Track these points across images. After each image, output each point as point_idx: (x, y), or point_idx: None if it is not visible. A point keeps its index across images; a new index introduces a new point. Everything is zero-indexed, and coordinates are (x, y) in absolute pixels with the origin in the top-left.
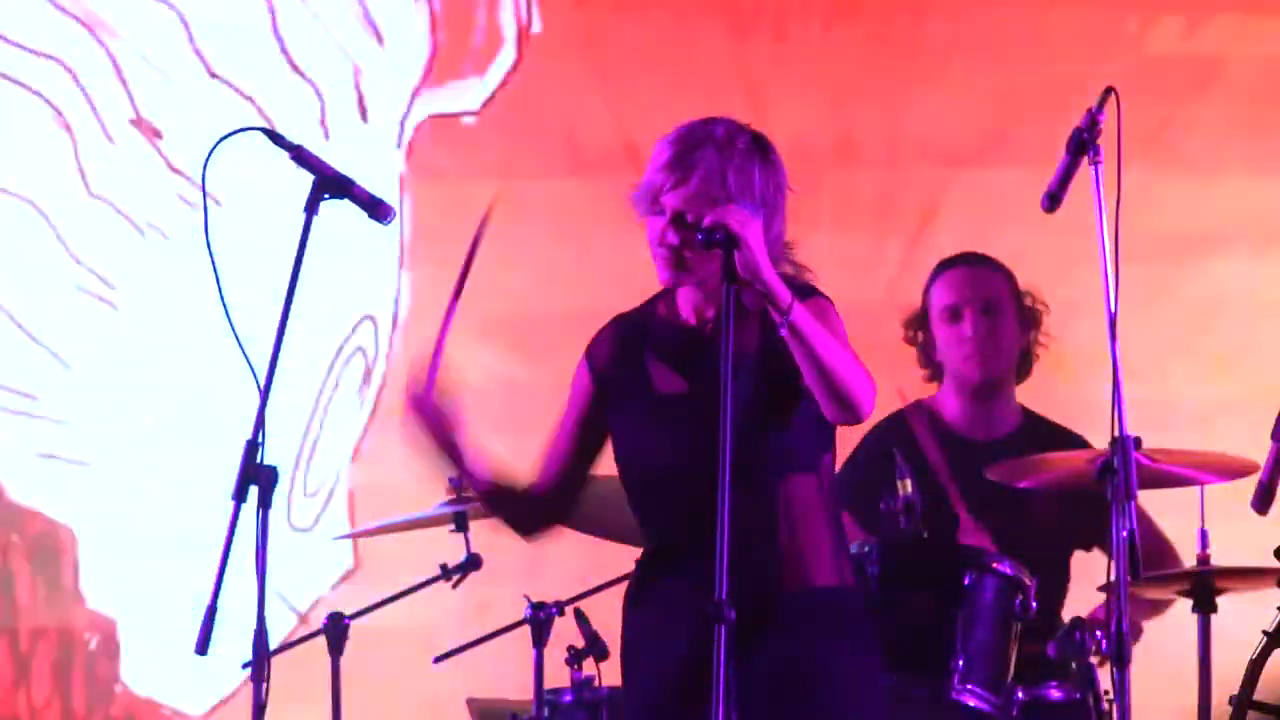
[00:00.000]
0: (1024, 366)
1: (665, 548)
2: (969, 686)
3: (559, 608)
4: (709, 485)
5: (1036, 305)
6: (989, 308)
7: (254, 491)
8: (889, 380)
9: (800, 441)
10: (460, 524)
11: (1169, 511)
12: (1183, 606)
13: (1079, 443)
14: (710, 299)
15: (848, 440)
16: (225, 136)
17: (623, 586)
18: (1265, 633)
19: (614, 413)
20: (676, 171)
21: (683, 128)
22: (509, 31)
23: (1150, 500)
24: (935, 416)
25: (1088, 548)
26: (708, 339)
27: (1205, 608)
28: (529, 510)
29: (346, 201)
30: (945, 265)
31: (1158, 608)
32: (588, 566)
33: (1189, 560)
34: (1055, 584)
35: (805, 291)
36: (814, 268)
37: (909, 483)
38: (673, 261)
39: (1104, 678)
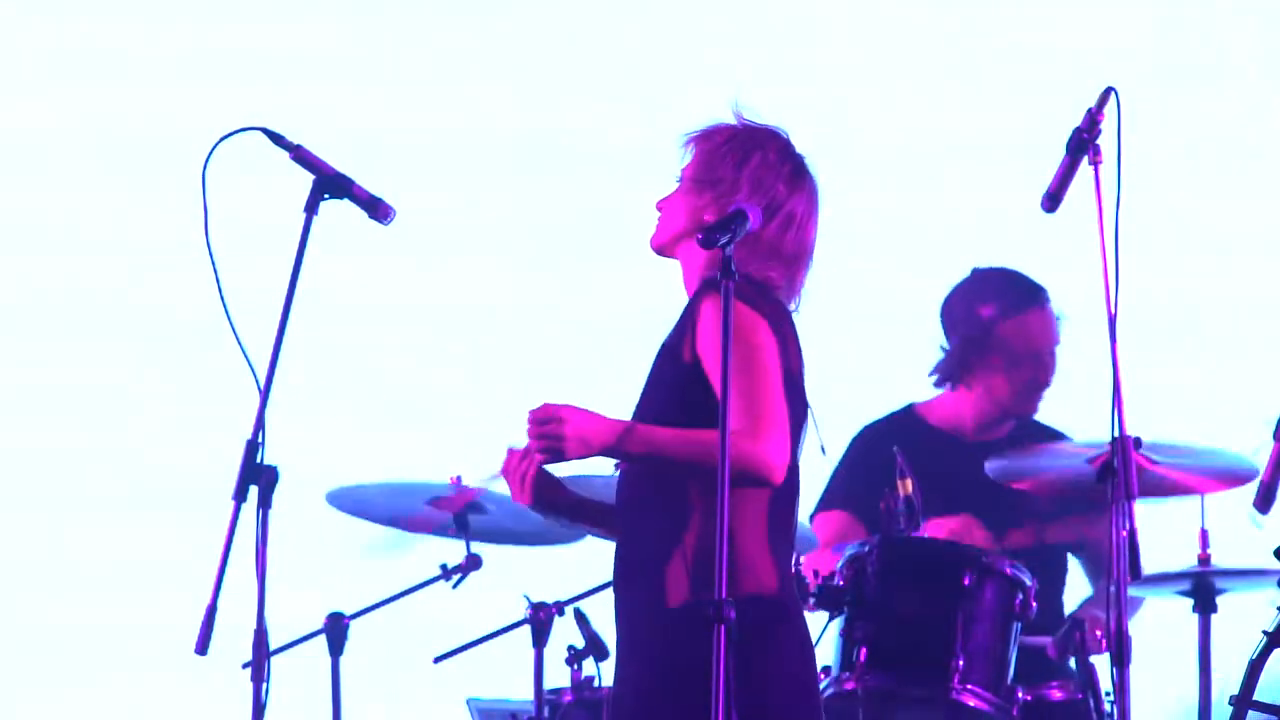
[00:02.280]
0: None
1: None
2: (969, 686)
3: (559, 608)
4: (621, 481)
5: None
6: (1058, 345)
7: (254, 491)
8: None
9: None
10: (460, 524)
11: (1169, 511)
12: (1183, 606)
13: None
14: (689, 292)
15: (835, 439)
16: (225, 136)
17: None
18: (1265, 633)
19: None
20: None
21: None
22: None
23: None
24: (925, 421)
25: (1076, 550)
26: (668, 337)
27: (1205, 608)
28: None
29: (346, 201)
30: (1030, 300)
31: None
32: (588, 566)
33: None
34: (1056, 580)
35: (708, 288)
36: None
37: (909, 483)
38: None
39: (1104, 678)
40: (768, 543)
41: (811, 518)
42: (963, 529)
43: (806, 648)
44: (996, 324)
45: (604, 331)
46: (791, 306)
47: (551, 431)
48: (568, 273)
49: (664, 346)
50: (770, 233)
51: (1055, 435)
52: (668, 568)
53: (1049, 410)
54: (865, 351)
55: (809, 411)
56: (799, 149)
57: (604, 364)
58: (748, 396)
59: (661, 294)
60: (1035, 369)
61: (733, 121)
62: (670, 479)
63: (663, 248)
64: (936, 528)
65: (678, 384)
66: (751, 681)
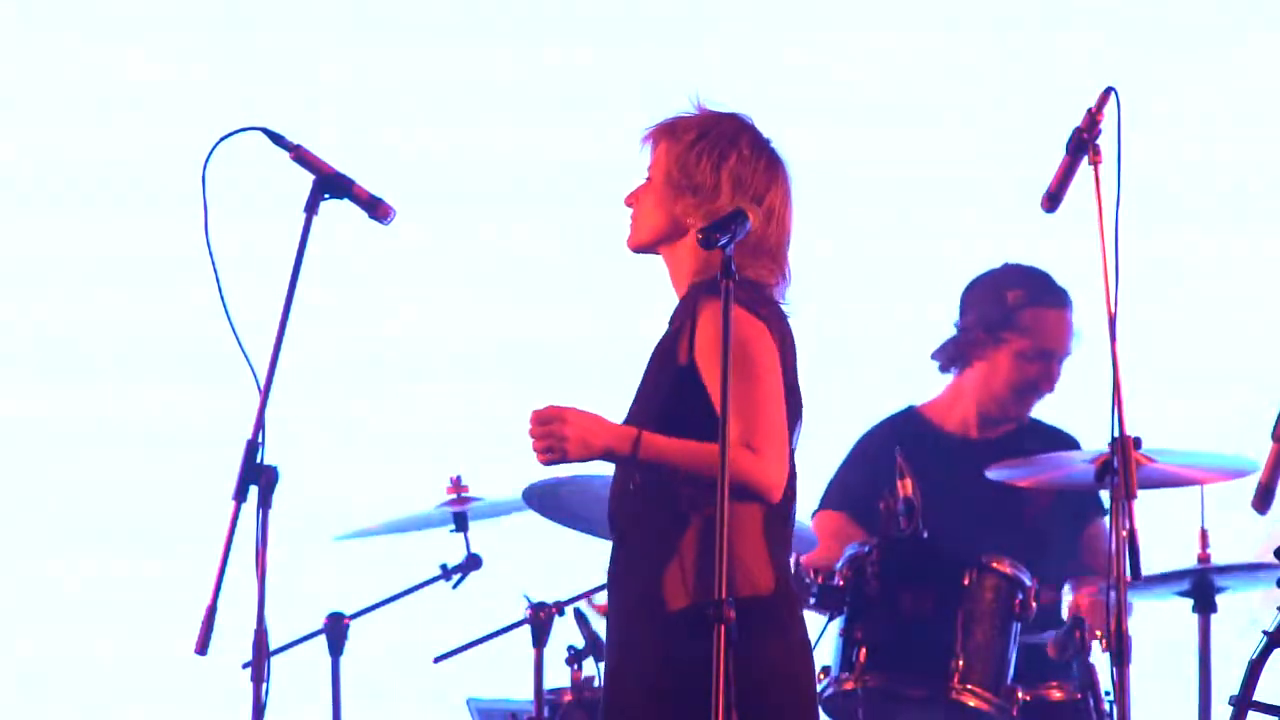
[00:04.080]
0: None
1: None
2: (969, 686)
3: (559, 608)
4: (616, 482)
5: None
6: (1068, 358)
7: (254, 491)
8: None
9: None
10: (460, 524)
11: (1169, 511)
12: (1183, 606)
13: (1073, 445)
14: (678, 290)
15: (846, 438)
16: (225, 136)
17: None
18: (1265, 633)
19: None
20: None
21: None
22: None
23: (1151, 500)
24: (927, 422)
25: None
26: (663, 338)
27: (1205, 608)
28: None
29: (346, 201)
30: (1050, 300)
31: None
32: (588, 566)
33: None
34: (1060, 579)
35: (708, 289)
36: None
37: (909, 482)
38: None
39: (1104, 678)
40: (764, 545)
41: (812, 516)
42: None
43: (804, 649)
44: (1020, 310)
45: (604, 332)
46: (786, 294)
47: (554, 431)
48: (570, 272)
49: (659, 347)
50: (755, 229)
51: (1057, 434)
52: (665, 571)
53: (1049, 409)
54: (866, 353)
55: (801, 412)
56: (764, 132)
57: (602, 365)
58: (749, 410)
59: (657, 300)
60: (1042, 368)
61: (692, 110)
62: (667, 483)
63: (641, 248)
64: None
65: (673, 386)
66: (749, 682)
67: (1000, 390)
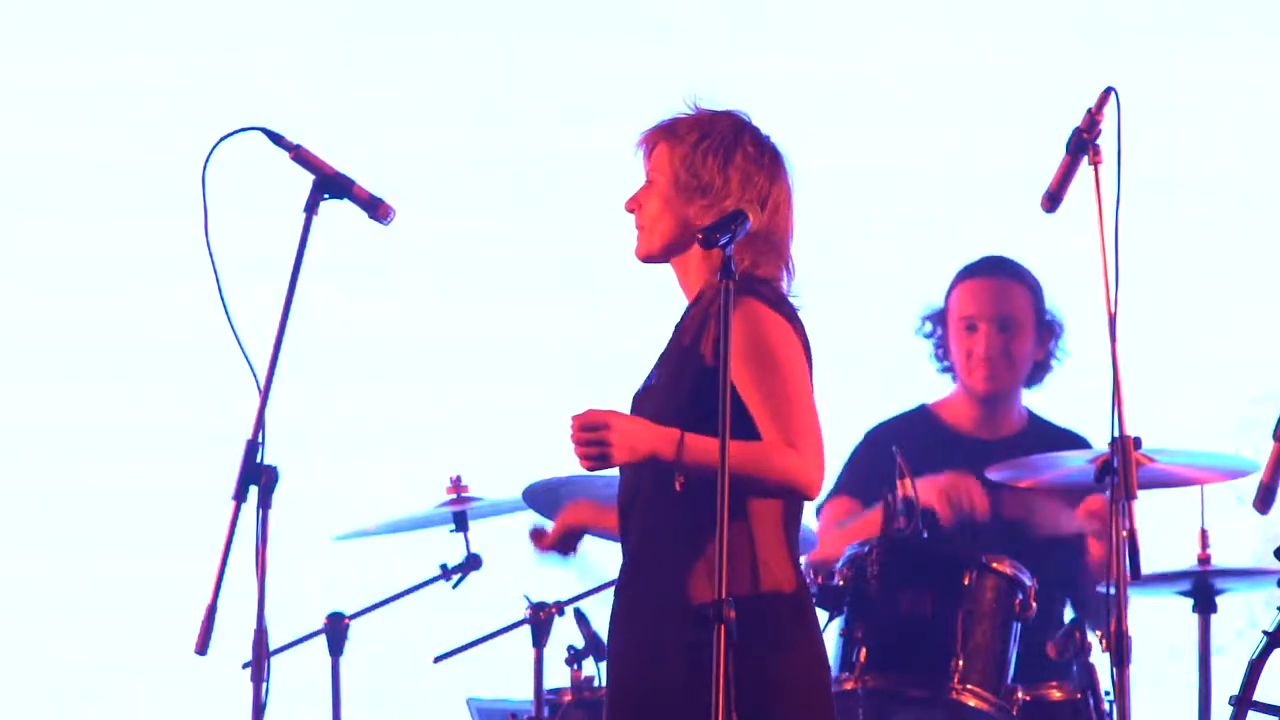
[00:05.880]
0: (1036, 375)
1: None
2: (969, 686)
3: (559, 608)
4: (634, 479)
5: (1057, 318)
6: (1006, 323)
7: (254, 491)
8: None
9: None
10: (460, 524)
11: (1169, 511)
12: (1183, 606)
13: (1082, 445)
14: (689, 295)
15: (847, 436)
16: (225, 136)
17: None
18: (1265, 633)
19: None
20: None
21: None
22: None
23: (1151, 500)
24: (938, 419)
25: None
26: (673, 335)
27: (1205, 608)
28: None
29: (346, 201)
30: (969, 272)
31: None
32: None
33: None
34: (1059, 580)
35: (741, 288)
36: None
37: (909, 482)
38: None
39: (1104, 678)
40: (784, 542)
41: (818, 510)
42: (956, 483)
43: (821, 647)
44: (951, 289)
45: (605, 332)
46: (794, 290)
47: (600, 438)
48: (571, 271)
49: (673, 346)
50: (761, 225)
51: (1066, 435)
52: (693, 565)
53: (1057, 408)
54: (872, 351)
55: None
56: (762, 128)
57: (602, 364)
58: (784, 408)
59: (657, 301)
60: (973, 335)
61: (687, 110)
62: (712, 482)
63: (652, 256)
64: (927, 486)
65: (695, 386)
66: (767, 681)
67: (961, 370)
